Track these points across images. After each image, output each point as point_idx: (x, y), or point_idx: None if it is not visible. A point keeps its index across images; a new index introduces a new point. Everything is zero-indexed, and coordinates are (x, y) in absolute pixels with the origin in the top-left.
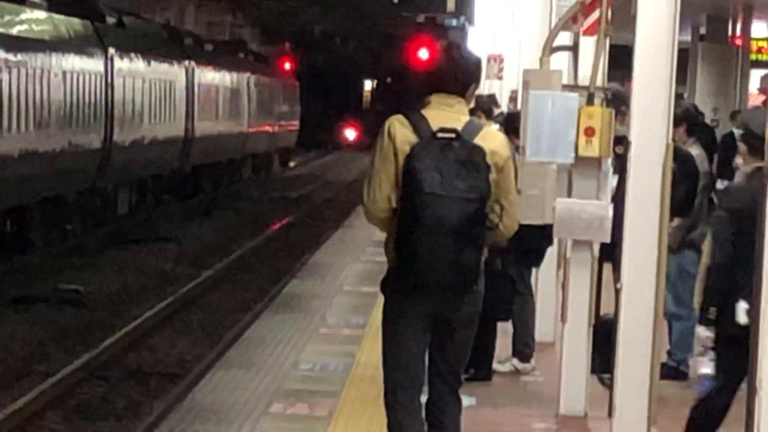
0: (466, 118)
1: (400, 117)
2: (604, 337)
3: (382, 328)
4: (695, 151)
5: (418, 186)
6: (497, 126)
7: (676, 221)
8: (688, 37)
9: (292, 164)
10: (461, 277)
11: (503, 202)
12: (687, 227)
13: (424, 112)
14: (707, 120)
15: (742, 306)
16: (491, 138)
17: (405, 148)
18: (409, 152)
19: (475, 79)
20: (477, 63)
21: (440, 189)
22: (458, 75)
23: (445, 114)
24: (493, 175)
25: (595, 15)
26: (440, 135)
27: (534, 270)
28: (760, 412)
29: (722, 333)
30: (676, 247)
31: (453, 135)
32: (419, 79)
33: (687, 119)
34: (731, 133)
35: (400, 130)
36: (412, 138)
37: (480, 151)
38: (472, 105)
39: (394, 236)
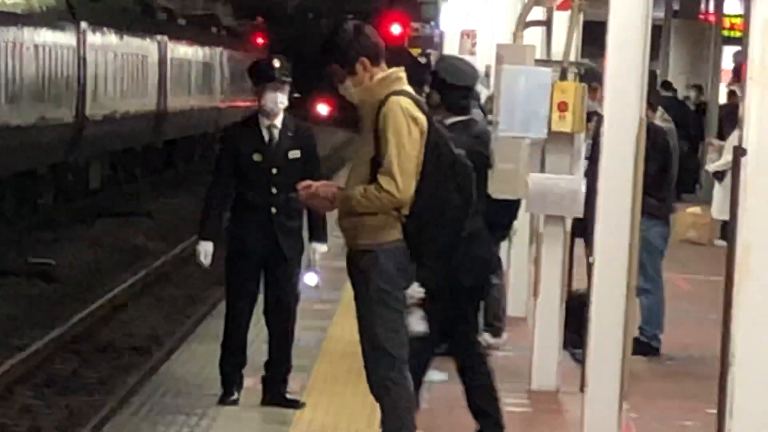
0: None
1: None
2: (576, 312)
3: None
4: (666, 125)
5: None
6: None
7: None
8: (661, 14)
9: None
10: None
11: None
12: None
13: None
14: (680, 95)
15: None
16: None
17: None
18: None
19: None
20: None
21: None
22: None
23: None
24: None
25: None
26: None
27: (506, 245)
28: (733, 385)
29: None
30: None
31: None
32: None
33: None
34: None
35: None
36: None
37: None
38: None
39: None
